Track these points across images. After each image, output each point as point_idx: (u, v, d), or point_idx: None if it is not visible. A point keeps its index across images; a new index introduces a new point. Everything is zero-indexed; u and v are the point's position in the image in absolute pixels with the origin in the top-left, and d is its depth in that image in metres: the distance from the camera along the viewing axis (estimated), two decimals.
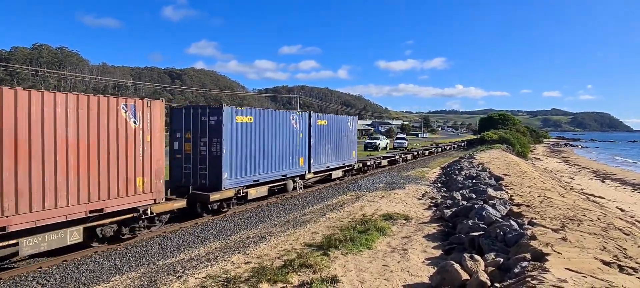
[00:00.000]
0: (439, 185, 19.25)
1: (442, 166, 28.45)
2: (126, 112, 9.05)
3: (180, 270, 7.52)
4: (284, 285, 6.51)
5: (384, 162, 27.16)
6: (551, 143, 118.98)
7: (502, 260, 6.43)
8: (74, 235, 8.19)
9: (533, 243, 6.76)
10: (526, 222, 8.84)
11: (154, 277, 7.30)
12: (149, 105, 9.60)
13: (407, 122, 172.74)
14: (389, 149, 47.44)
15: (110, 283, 7.31)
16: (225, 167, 12.02)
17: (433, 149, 44.04)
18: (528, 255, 6.22)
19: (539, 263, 5.77)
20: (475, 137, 79.04)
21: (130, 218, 9.35)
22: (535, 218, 9.13)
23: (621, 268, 5.74)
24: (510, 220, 8.90)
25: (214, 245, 9.55)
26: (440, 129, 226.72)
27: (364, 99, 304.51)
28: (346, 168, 20.49)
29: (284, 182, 15.06)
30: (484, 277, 5.66)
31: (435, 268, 6.73)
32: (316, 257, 7.63)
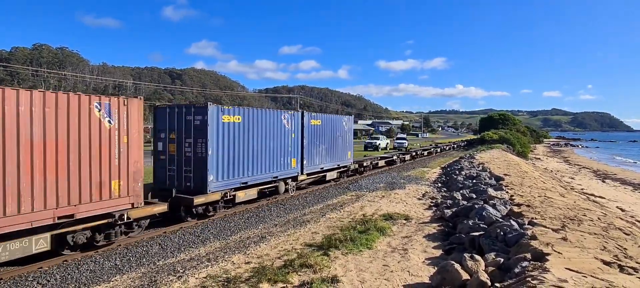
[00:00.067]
0: (440, 185, 19.25)
1: (443, 166, 28.45)
2: (100, 110, 8.46)
3: (181, 270, 7.52)
4: (285, 285, 6.51)
5: (381, 163, 26.49)
6: (551, 143, 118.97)
7: (502, 260, 6.43)
8: (41, 243, 7.61)
9: (533, 243, 6.76)
10: (526, 222, 8.84)
11: (155, 277, 7.30)
12: (125, 103, 9.01)
13: (407, 122, 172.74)
14: (389, 149, 47.42)
15: (111, 283, 7.31)
16: (211, 169, 11.50)
17: (432, 149, 43.50)
18: (528, 255, 6.22)
19: (539, 263, 5.77)
20: (475, 137, 79.07)
21: (105, 224, 8.76)
22: (536, 218, 9.13)
23: (621, 268, 5.74)
24: (511, 220, 8.90)
25: (214, 245, 9.55)
26: (440, 129, 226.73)
27: (364, 99, 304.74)
28: (341, 169, 20.03)
29: (275, 184, 14.52)
30: (484, 277, 5.66)
31: (436, 268, 6.73)
32: (316, 257, 7.64)
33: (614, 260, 6.07)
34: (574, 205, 12.77)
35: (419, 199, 15.18)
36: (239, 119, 12.51)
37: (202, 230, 10.79)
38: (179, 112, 11.85)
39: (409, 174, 23.04)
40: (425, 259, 7.96)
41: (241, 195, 12.72)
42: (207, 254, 8.71)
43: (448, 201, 13.63)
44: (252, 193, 13.27)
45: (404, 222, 11.24)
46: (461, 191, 14.93)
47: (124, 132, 8.95)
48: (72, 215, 8.03)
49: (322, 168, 17.92)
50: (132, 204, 9.21)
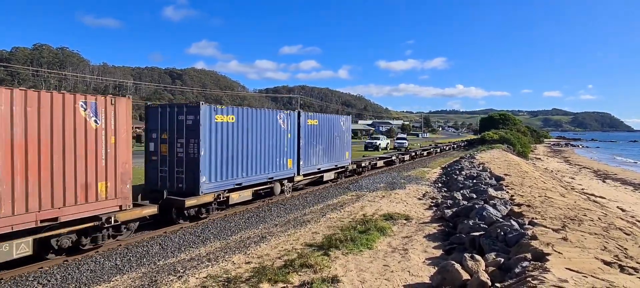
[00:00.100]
0: (440, 185, 19.24)
1: (443, 166, 28.44)
2: (86, 110, 8.19)
3: (181, 270, 7.52)
4: (285, 285, 6.51)
5: (380, 163, 26.10)
6: (552, 143, 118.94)
7: (502, 260, 6.43)
8: (22, 248, 7.35)
9: (534, 243, 6.76)
10: (527, 222, 8.84)
11: (155, 277, 7.30)
12: (113, 102, 8.74)
13: (407, 122, 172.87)
14: (390, 149, 47.44)
15: (111, 283, 7.31)
16: (204, 170, 11.26)
17: (432, 149, 43.07)
18: (529, 255, 6.22)
19: (539, 263, 5.77)
20: (475, 137, 79.07)
21: (91, 227, 8.49)
22: (536, 218, 9.12)
23: (622, 268, 5.74)
24: (511, 220, 8.89)
25: (214, 245, 9.56)
26: (440, 129, 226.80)
27: (364, 99, 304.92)
28: (339, 170, 19.75)
29: (270, 185, 14.24)
30: (484, 277, 5.66)
31: (436, 268, 6.73)
32: (317, 257, 7.64)
33: (615, 260, 6.07)
34: (574, 205, 12.77)
35: (420, 199, 15.17)
36: (232, 118, 12.27)
37: (203, 230, 10.80)
38: (171, 111, 11.62)
39: (409, 174, 23.04)
40: (426, 259, 7.96)
41: (235, 197, 12.47)
42: (207, 254, 8.71)
43: (448, 201, 13.63)
44: (247, 194, 13.00)
45: (405, 222, 11.24)
46: (461, 191, 14.93)
47: (111, 132, 8.71)
48: (56, 218, 7.78)
49: (319, 168, 17.66)
50: (120, 207, 8.97)
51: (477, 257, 6.42)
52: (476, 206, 10.67)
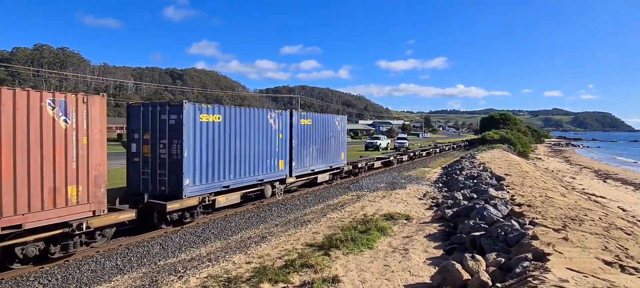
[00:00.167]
0: (440, 185, 19.24)
1: (443, 166, 28.43)
2: (54, 109, 7.63)
3: (182, 270, 7.53)
4: (285, 285, 6.51)
5: (378, 164, 25.46)
6: (552, 143, 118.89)
7: (503, 260, 6.42)
8: None
9: (534, 243, 6.76)
10: (527, 222, 8.83)
11: (156, 277, 7.31)
12: (85, 100, 8.14)
13: (408, 122, 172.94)
14: (390, 149, 47.44)
15: (112, 283, 7.32)
16: (187, 172, 10.72)
17: (431, 150, 42.32)
18: (529, 255, 6.22)
19: (540, 263, 5.76)
20: (476, 136, 79.01)
21: (61, 234, 7.90)
22: (537, 218, 9.12)
23: (623, 268, 5.74)
24: (512, 220, 8.89)
25: (215, 245, 9.56)
26: (441, 128, 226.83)
27: (365, 98, 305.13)
28: (334, 171, 19.24)
29: (260, 188, 13.74)
30: (485, 277, 5.66)
31: (437, 268, 6.73)
32: (317, 257, 7.64)
33: (615, 260, 6.06)
34: (575, 205, 12.76)
35: (420, 199, 15.17)
36: (219, 118, 11.76)
37: (203, 230, 10.80)
38: (153, 110, 11.07)
39: (410, 174, 23.04)
40: (426, 259, 7.96)
41: (222, 200, 11.95)
42: (208, 254, 8.72)
43: (449, 201, 13.62)
44: (234, 197, 12.48)
45: (405, 221, 11.24)
46: (462, 191, 14.93)
47: (83, 133, 8.14)
48: (19, 226, 7.26)
49: (313, 170, 17.15)
50: (94, 212, 8.36)
51: (478, 257, 6.42)
52: (477, 206, 10.66)
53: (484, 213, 9.69)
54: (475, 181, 17.67)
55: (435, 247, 8.75)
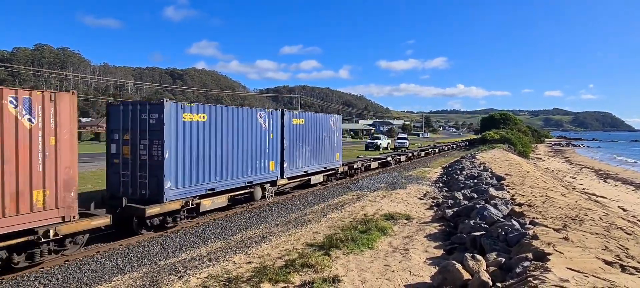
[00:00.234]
0: (441, 185, 19.24)
1: (444, 166, 28.43)
2: (16, 107, 7.10)
3: (182, 270, 7.53)
4: (286, 285, 6.51)
5: (374, 164, 24.94)
6: (553, 142, 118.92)
7: (503, 259, 6.42)
8: None
9: (535, 243, 6.76)
10: (528, 222, 8.83)
11: (156, 276, 7.31)
12: (52, 98, 7.56)
13: (408, 122, 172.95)
14: (391, 149, 47.45)
15: (112, 283, 7.32)
16: (169, 175, 10.21)
17: (430, 150, 41.80)
18: (530, 255, 6.22)
19: (540, 263, 5.76)
20: (476, 136, 79.05)
21: (25, 242, 7.34)
22: (537, 218, 9.12)
23: (623, 268, 5.74)
24: (512, 220, 8.89)
25: (215, 245, 9.57)
26: (441, 128, 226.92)
27: (365, 98, 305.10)
28: (329, 172, 18.79)
29: (250, 190, 13.28)
30: (485, 277, 5.66)
31: (437, 268, 6.73)
32: (318, 257, 7.64)
33: (616, 260, 6.06)
34: (575, 204, 12.76)
35: (420, 199, 15.17)
36: (204, 117, 11.27)
37: (204, 230, 10.81)
38: (134, 110, 10.57)
39: (410, 174, 23.04)
40: (427, 259, 7.96)
41: (207, 204, 11.42)
42: (208, 254, 8.72)
43: (449, 201, 13.62)
44: (221, 200, 11.99)
45: (405, 221, 11.24)
46: (462, 191, 14.93)
47: (50, 133, 7.58)
48: None
49: (306, 171, 16.70)
50: (63, 218, 7.79)
51: (478, 256, 6.42)
52: (477, 206, 10.67)
53: (485, 213, 9.69)
54: (475, 181, 17.67)
55: (435, 247, 8.75)
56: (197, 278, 7.01)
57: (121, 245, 9.33)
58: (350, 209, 13.01)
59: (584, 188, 25.75)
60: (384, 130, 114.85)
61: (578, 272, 5.36)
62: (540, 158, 57.09)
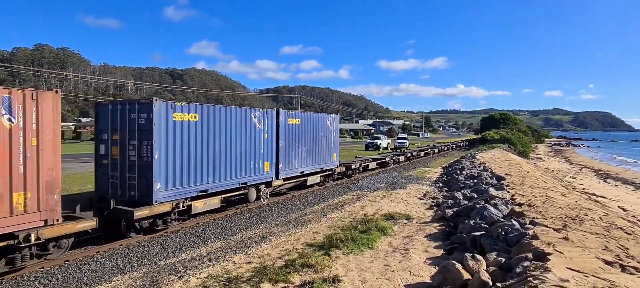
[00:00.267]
0: (441, 184, 19.25)
1: (444, 166, 28.43)
2: None
3: (182, 270, 7.53)
4: (286, 285, 6.51)
5: (373, 165, 24.71)
6: (553, 142, 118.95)
7: (503, 259, 6.42)
8: None
9: (535, 242, 6.76)
10: (528, 222, 8.84)
11: (156, 277, 7.31)
12: (34, 97, 7.26)
13: (408, 122, 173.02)
14: (391, 149, 47.45)
15: (112, 283, 7.32)
16: (158, 176, 9.95)
17: (429, 150, 41.42)
18: (530, 255, 6.22)
19: (540, 263, 5.76)
20: (476, 136, 79.05)
21: (4, 246, 7.07)
22: (537, 218, 9.12)
23: (623, 268, 5.74)
24: (512, 220, 8.89)
25: (215, 245, 9.57)
26: (441, 128, 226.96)
27: (365, 98, 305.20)
28: (326, 173, 18.54)
29: (244, 191, 13.00)
30: (485, 277, 5.66)
31: (437, 268, 6.73)
32: (317, 257, 7.64)
33: (616, 260, 6.06)
34: (575, 204, 12.76)
35: (420, 199, 15.17)
36: (195, 117, 11.02)
37: (204, 230, 10.81)
38: (122, 109, 10.30)
39: (410, 174, 23.04)
40: (427, 259, 7.96)
41: (199, 205, 11.17)
42: (208, 254, 8.72)
43: (449, 201, 13.62)
44: (214, 202, 11.73)
45: (405, 221, 11.24)
46: (462, 191, 14.93)
47: (31, 133, 7.26)
48: None
49: (302, 172, 16.42)
50: (45, 221, 7.51)
51: (478, 256, 6.42)
52: (477, 206, 10.67)
53: (485, 213, 9.69)
54: (475, 181, 17.67)
55: (435, 247, 8.75)
56: (197, 278, 7.01)
57: (121, 245, 9.33)
58: (350, 209, 13.02)
59: (584, 188, 25.75)
60: (384, 130, 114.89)
61: (578, 271, 5.36)
62: (540, 158, 57.10)
